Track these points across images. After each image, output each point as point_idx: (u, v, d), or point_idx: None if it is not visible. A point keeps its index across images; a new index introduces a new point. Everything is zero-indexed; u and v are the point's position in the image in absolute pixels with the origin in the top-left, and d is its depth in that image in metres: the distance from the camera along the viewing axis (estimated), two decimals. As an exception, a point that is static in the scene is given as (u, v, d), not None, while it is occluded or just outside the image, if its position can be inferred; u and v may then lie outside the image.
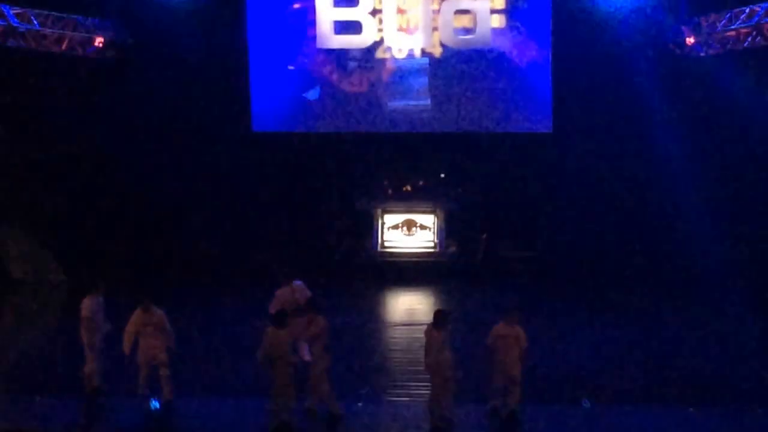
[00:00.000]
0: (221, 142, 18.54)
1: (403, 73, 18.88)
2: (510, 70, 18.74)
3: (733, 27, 16.36)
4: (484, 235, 19.03)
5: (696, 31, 16.95)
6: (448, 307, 16.32)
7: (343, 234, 19.30)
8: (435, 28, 18.66)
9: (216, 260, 18.06)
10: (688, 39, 17.02)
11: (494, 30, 18.67)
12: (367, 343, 14.17)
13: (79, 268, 17.55)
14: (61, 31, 16.72)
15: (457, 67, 18.74)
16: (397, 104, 18.96)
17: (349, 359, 12.97)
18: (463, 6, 18.59)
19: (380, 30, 18.75)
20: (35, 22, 16.32)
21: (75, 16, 16.87)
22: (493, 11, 18.65)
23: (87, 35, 17.11)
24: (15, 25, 15.94)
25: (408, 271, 18.23)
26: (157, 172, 18.45)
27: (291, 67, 19.07)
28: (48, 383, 12.19)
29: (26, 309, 16.85)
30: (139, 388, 11.26)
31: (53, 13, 16.53)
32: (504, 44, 18.68)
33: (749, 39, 16.11)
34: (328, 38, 18.85)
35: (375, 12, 18.71)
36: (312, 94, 19.07)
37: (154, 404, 11.43)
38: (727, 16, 16.37)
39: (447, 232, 19.10)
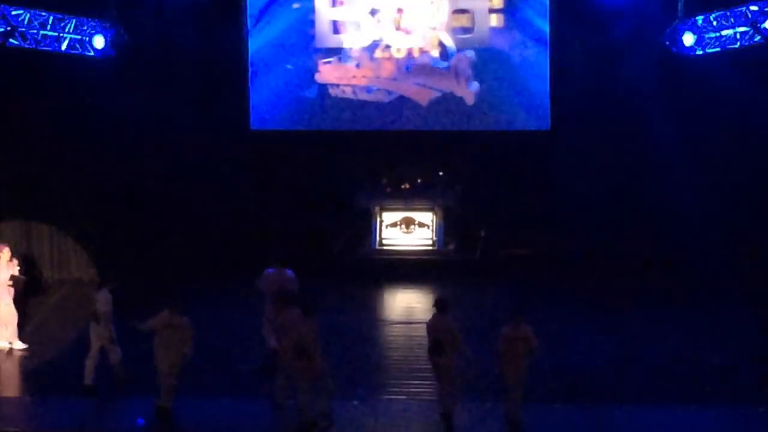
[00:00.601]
0: (219, 140, 18.57)
1: (402, 72, 18.93)
2: (508, 69, 18.78)
3: (730, 26, 16.40)
4: (483, 233, 19.04)
5: (693, 29, 16.97)
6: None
7: (341, 232, 19.33)
8: (433, 28, 18.72)
9: (212, 259, 18.11)
10: (685, 38, 17.04)
11: (492, 29, 18.74)
12: (364, 341, 14.24)
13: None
14: (61, 32, 16.77)
15: (455, 66, 18.77)
16: (395, 103, 18.99)
17: (347, 357, 13.04)
18: (462, 5, 18.66)
19: (379, 29, 18.81)
20: (35, 22, 16.37)
21: (74, 17, 16.90)
22: (492, 11, 18.71)
23: (87, 36, 17.16)
24: (14, 25, 15.99)
25: (406, 269, 18.25)
26: (154, 172, 18.58)
27: (289, 66, 19.11)
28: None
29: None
30: (162, 399, 11.13)
31: (53, 14, 16.56)
32: (502, 43, 18.73)
33: (747, 38, 16.14)
34: (327, 37, 18.94)
35: (374, 12, 18.79)
36: (310, 93, 19.12)
37: (140, 422, 11.45)
38: (725, 14, 16.39)
39: (445, 229, 19.11)
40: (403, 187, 19.39)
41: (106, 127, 18.03)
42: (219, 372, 12.96)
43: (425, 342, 12.10)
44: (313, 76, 19.06)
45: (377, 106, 19.05)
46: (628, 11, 17.21)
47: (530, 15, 18.62)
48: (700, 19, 16.76)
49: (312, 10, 18.90)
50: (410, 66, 18.89)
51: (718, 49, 16.68)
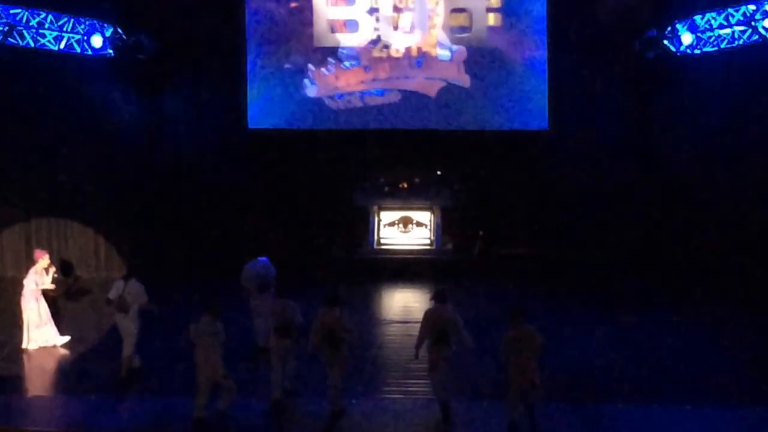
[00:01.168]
0: (217, 139, 18.58)
1: (400, 71, 18.92)
2: (506, 68, 18.79)
3: (728, 25, 16.43)
4: (481, 233, 19.04)
5: (691, 29, 17.00)
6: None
7: (339, 231, 19.33)
8: (432, 27, 18.74)
9: (211, 258, 18.11)
10: (683, 37, 17.07)
11: (490, 28, 18.75)
12: (362, 340, 14.19)
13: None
14: (59, 31, 16.78)
15: (453, 64, 18.78)
16: (393, 102, 18.99)
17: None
18: (459, 4, 18.68)
19: (377, 28, 18.84)
20: (33, 21, 16.38)
21: (73, 17, 16.91)
22: (489, 9, 18.74)
23: (85, 35, 17.16)
24: (13, 23, 16.02)
25: (404, 268, 18.25)
26: (152, 170, 18.60)
27: (287, 66, 19.11)
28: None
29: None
30: (198, 409, 10.93)
31: (51, 13, 16.58)
32: (500, 42, 18.73)
33: (744, 37, 16.16)
34: (325, 36, 18.95)
35: (372, 10, 18.80)
36: (308, 92, 19.11)
37: None
38: (722, 14, 16.42)
39: (443, 229, 19.13)
40: (401, 186, 19.40)
41: (103, 126, 18.07)
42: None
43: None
44: (310, 75, 19.04)
45: (375, 105, 19.01)
46: (626, 10, 17.19)
47: (528, 14, 18.63)
48: (698, 18, 16.80)
49: (310, 8, 18.88)
50: (408, 65, 18.83)
51: (716, 49, 16.72)
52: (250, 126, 19.19)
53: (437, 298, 11.36)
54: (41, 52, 16.84)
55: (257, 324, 13.47)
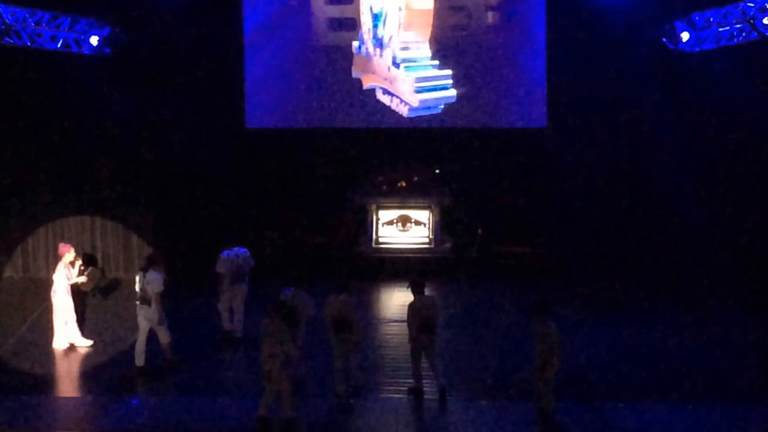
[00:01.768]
0: (215, 138, 18.53)
1: (398, 69, 18.87)
2: (504, 66, 18.75)
3: (726, 22, 16.40)
4: (480, 231, 19.02)
5: (690, 26, 16.98)
6: (443, 303, 16.45)
7: (337, 230, 19.29)
8: (429, 25, 18.68)
9: (209, 257, 18.05)
10: (682, 34, 17.05)
11: (488, 26, 18.70)
12: (360, 339, 14.16)
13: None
14: (56, 31, 16.75)
15: (451, 63, 18.74)
16: (391, 100, 18.95)
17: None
18: (458, 3, 18.63)
19: (376, 26, 18.75)
20: (30, 21, 16.35)
21: (70, 16, 16.88)
22: (488, 8, 18.71)
23: (82, 34, 17.13)
24: (10, 23, 15.99)
25: (403, 267, 18.21)
26: (150, 169, 18.56)
27: (285, 64, 19.05)
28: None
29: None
30: (262, 408, 10.96)
31: (48, 12, 16.55)
32: (498, 40, 18.69)
33: (743, 35, 16.14)
34: (323, 35, 18.90)
35: (371, 9, 18.73)
36: (306, 91, 19.06)
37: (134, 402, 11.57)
38: (721, 11, 16.39)
39: (442, 227, 19.11)
40: (399, 185, 19.38)
41: (100, 125, 18.05)
42: (220, 370, 13.04)
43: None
44: (308, 73, 18.98)
45: (373, 103, 18.97)
46: (624, 8, 17.15)
47: (526, 12, 18.60)
48: (696, 16, 16.77)
49: (308, 7, 18.84)
50: (406, 63, 18.79)
51: (715, 46, 16.69)
52: (248, 125, 19.14)
53: (416, 287, 11.81)
54: (38, 51, 16.81)
55: (223, 309, 14.17)
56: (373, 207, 19.18)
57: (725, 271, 16.67)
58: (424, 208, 19.17)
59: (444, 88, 18.73)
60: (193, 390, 12.17)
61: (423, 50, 18.66)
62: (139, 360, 12.81)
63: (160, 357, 13.02)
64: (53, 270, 14.20)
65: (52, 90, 17.80)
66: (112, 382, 12.57)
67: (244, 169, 19.05)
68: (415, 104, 18.67)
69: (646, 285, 17.09)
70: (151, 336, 12.90)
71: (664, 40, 17.42)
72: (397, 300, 17.38)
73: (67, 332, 14.00)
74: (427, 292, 12.04)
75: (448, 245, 19.13)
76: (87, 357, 13.79)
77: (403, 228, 19.15)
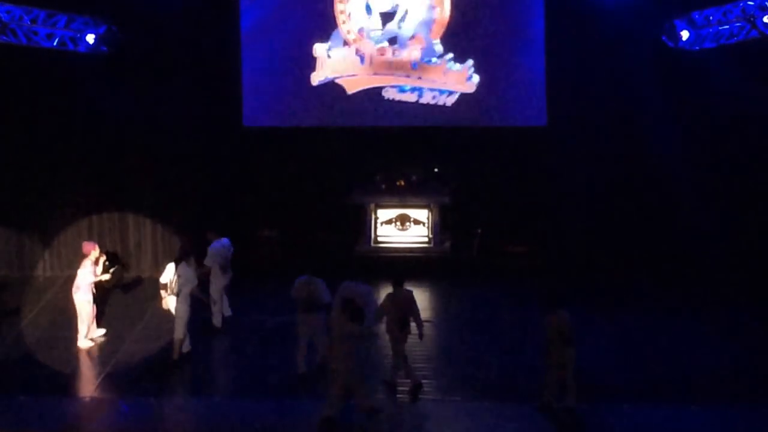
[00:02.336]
0: (212, 137, 18.45)
1: (396, 67, 18.78)
2: (503, 64, 18.66)
3: (726, 21, 16.35)
4: (479, 230, 18.96)
5: (690, 25, 16.92)
6: (442, 303, 16.43)
7: (336, 229, 19.19)
8: (428, 23, 18.58)
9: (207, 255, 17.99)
10: (681, 33, 17.00)
11: (487, 25, 18.57)
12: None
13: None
14: (52, 29, 16.68)
15: (450, 61, 18.67)
16: (389, 98, 18.87)
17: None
18: (457, 2, 18.51)
19: (374, 24, 18.65)
20: (26, 18, 16.28)
21: (66, 14, 16.80)
22: (486, 6, 18.58)
23: (78, 33, 17.06)
24: (5, 21, 15.93)
25: (401, 267, 18.10)
26: (148, 168, 18.49)
27: (283, 62, 18.93)
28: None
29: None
30: (328, 408, 11.15)
31: (44, 10, 16.47)
32: (497, 39, 18.59)
33: (743, 33, 16.08)
34: (322, 33, 18.74)
35: (369, 7, 18.62)
36: (304, 89, 18.95)
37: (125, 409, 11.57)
38: (721, 10, 16.34)
39: (441, 226, 19.03)
40: (398, 184, 19.29)
41: (97, 123, 17.98)
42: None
43: (419, 341, 12.13)
44: (306, 72, 18.89)
45: (371, 101, 18.88)
46: (624, 6, 17.09)
47: (525, 10, 18.49)
48: (696, 14, 16.72)
49: (308, 5, 18.74)
50: (404, 61, 18.70)
51: (715, 45, 16.64)
52: (245, 124, 19.04)
53: (397, 281, 12.35)
54: (33, 50, 16.74)
55: (218, 297, 14.74)
56: (372, 206, 19.08)
57: (727, 270, 16.62)
58: (423, 207, 19.08)
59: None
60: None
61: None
62: (185, 346, 13.35)
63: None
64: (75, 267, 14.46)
65: (48, 88, 17.71)
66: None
67: (241, 168, 18.96)
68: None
69: (646, 284, 17.04)
70: (155, 334, 12.89)
71: (664, 38, 17.35)
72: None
73: (90, 330, 14.22)
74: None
75: (447, 244, 19.05)
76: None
77: (402, 227, 19.07)
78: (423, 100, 18.74)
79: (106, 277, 14.56)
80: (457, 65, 18.56)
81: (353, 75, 18.82)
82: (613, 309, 15.71)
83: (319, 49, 18.70)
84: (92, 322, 14.34)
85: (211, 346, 14.35)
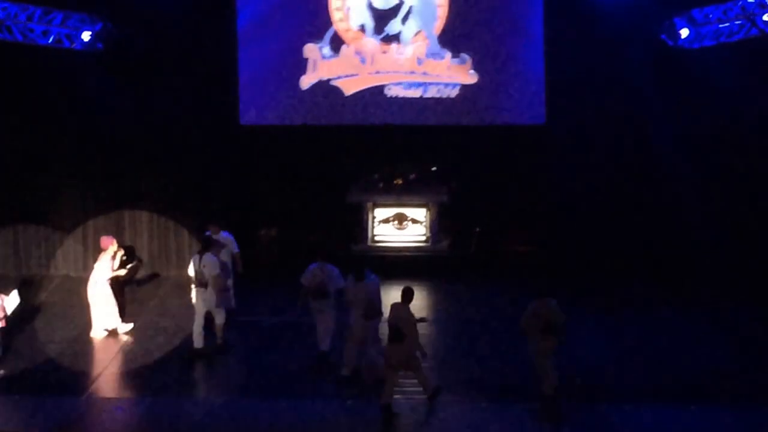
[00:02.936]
0: (208, 135, 18.37)
1: (394, 66, 18.71)
2: (502, 63, 18.59)
3: (726, 19, 16.29)
4: (477, 229, 18.89)
5: (689, 23, 16.87)
6: (439, 302, 16.37)
7: (333, 228, 19.11)
8: (427, 21, 18.52)
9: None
10: (681, 31, 16.94)
11: (486, 23, 18.50)
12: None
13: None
14: (48, 26, 16.62)
15: (448, 59, 18.60)
16: (387, 97, 18.78)
17: (339, 355, 12.91)
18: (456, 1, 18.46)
19: (374, 21, 18.57)
20: (22, 16, 16.22)
21: (62, 11, 16.74)
22: (485, 5, 18.51)
23: (74, 30, 17.00)
24: (1, 18, 15.88)
25: (399, 266, 18.01)
26: (145, 168, 18.42)
27: (280, 60, 18.84)
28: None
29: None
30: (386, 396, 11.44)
31: (40, 7, 16.41)
32: (496, 36, 18.53)
33: (743, 31, 16.03)
34: (321, 31, 18.65)
35: (369, 4, 18.54)
36: (301, 87, 18.86)
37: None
38: (721, 8, 16.28)
39: (439, 226, 18.96)
40: (395, 182, 19.23)
41: (92, 121, 17.91)
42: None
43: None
44: (304, 70, 18.80)
45: (369, 100, 18.80)
46: (623, 4, 17.03)
47: (524, 8, 18.42)
48: (696, 12, 16.67)
49: (305, 3, 18.66)
50: (402, 60, 18.62)
51: (714, 43, 16.59)
52: (242, 122, 18.96)
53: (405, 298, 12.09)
54: (29, 47, 16.69)
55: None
56: (369, 205, 19.02)
57: (728, 269, 16.56)
58: (420, 206, 19.02)
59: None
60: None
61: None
62: (198, 342, 13.41)
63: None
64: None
65: (43, 86, 17.64)
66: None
67: (238, 167, 18.87)
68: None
69: (646, 283, 16.99)
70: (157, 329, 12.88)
71: (663, 36, 17.29)
72: (393, 299, 17.23)
73: (104, 321, 14.35)
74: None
75: (445, 244, 18.99)
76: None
77: (400, 226, 19.00)
78: (428, 95, 18.65)
79: (123, 272, 14.75)
80: (459, 60, 18.49)
81: (353, 75, 18.74)
82: (612, 308, 15.65)
83: (311, 50, 18.59)
84: (112, 311, 14.47)
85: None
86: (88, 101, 17.59)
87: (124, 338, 14.45)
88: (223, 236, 15.11)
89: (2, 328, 13.00)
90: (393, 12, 18.53)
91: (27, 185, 18.28)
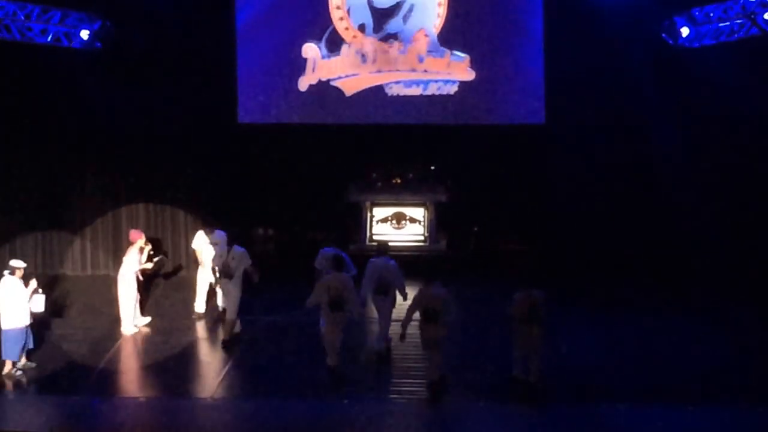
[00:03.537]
0: (206, 134, 18.35)
1: (393, 65, 18.67)
2: (501, 62, 18.56)
3: (727, 18, 16.27)
4: (475, 229, 18.87)
5: (690, 22, 16.84)
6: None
7: (331, 227, 19.08)
8: (426, 20, 18.51)
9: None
10: (681, 30, 16.91)
11: (485, 21, 18.48)
12: (354, 339, 14.01)
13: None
14: (46, 24, 16.60)
15: (448, 57, 18.56)
16: (385, 96, 18.74)
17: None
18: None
19: (374, 20, 18.54)
20: (20, 14, 16.20)
21: (60, 10, 16.72)
22: (484, 3, 18.49)
23: (72, 28, 16.98)
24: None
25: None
26: (143, 167, 18.41)
27: (279, 58, 18.82)
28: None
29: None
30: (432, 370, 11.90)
31: (39, 6, 16.40)
32: (495, 35, 18.50)
33: (744, 30, 16.00)
34: (320, 29, 18.62)
35: (370, 2, 18.53)
36: (300, 86, 18.84)
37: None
38: (721, 7, 16.26)
39: (437, 225, 18.95)
40: (394, 182, 19.25)
41: (90, 119, 17.90)
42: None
43: (417, 339, 12.08)
44: (302, 68, 18.77)
45: (368, 99, 18.77)
46: (623, 3, 17.00)
47: (524, 7, 18.39)
48: (696, 11, 16.65)
49: (304, 1, 18.63)
50: (401, 59, 18.58)
51: (715, 42, 16.56)
52: (240, 120, 18.93)
53: (425, 279, 12.27)
54: (27, 45, 16.68)
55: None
56: (368, 204, 19.03)
57: (728, 269, 16.52)
58: (419, 205, 19.02)
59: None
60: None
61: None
62: (237, 328, 13.88)
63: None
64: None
65: (42, 85, 17.62)
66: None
67: (236, 165, 18.85)
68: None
69: (646, 283, 16.96)
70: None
71: (664, 35, 17.27)
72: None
73: (134, 317, 14.50)
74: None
75: (443, 243, 18.98)
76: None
77: (398, 225, 18.99)
78: (428, 92, 18.64)
79: (150, 265, 14.90)
80: (459, 58, 18.46)
81: (354, 75, 18.70)
82: (610, 308, 15.62)
83: (311, 49, 18.55)
84: (137, 309, 14.64)
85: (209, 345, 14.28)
86: (86, 100, 17.58)
87: (144, 330, 14.67)
88: (218, 235, 15.16)
89: (29, 324, 12.85)
90: (393, 10, 18.52)
91: (21, 182, 18.24)
